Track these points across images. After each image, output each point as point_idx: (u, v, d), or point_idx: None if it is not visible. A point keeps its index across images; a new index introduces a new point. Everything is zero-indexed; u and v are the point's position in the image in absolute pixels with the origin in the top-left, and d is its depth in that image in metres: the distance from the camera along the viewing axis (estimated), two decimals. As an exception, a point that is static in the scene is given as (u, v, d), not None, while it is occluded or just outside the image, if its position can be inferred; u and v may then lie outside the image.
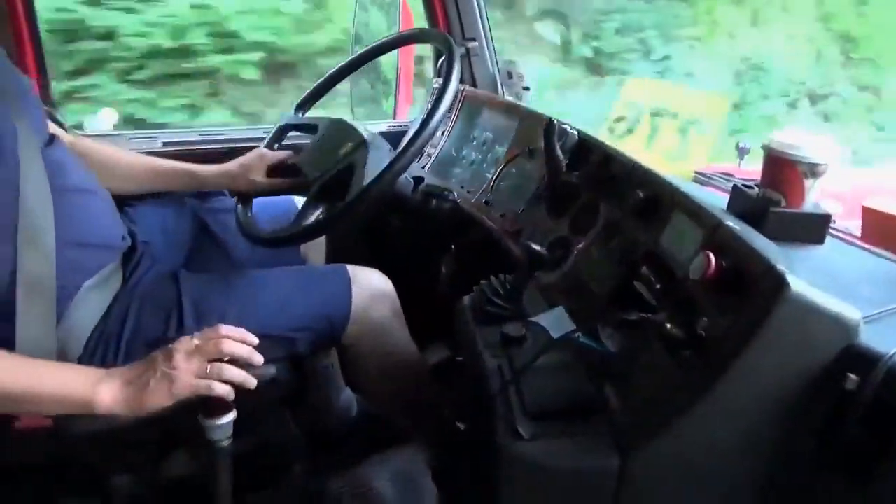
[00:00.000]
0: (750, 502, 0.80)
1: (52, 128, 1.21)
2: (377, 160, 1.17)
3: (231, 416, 0.95)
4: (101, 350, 1.09)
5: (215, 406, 0.94)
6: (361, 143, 1.22)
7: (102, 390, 0.91)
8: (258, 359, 0.95)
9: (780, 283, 0.70)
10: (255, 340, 0.97)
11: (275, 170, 1.37)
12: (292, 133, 1.47)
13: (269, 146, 1.42)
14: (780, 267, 0.71)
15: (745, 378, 0.72)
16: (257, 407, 1.21)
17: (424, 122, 1.11)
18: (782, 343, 0.71)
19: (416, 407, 1.33)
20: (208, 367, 0.92)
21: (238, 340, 0.95)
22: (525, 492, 0.80)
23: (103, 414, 0.91)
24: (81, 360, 1.07)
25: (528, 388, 0.84)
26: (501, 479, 0.81)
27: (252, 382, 0.94)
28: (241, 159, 1.37)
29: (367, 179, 1.14)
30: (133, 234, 1.25)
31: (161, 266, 1.26)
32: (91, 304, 1.10)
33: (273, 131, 1.45)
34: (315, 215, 1.21)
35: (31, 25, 1.60)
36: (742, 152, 1.56)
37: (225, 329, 0.95)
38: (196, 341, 0.94)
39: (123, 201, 1.32)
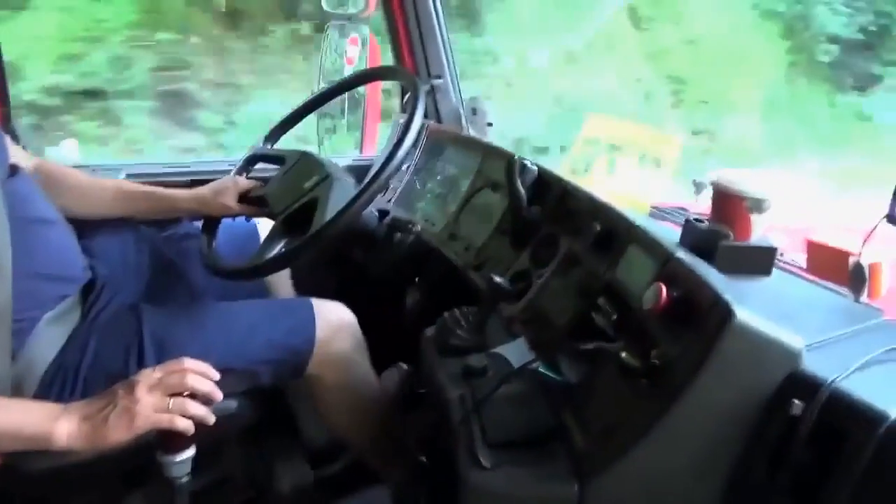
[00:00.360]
0: (706, 527, 0.82)
1: (15, 157, 1.20)
2: (340, 195, 1.18)
3: (190, 452, 0.94)
4: (58, 384, 1.07)
5: (174, 441, 0.93)
6: (326, 178, 1.24)
7: (61, 426, 0.89)
8: (218, 395, 0.95)
9: (726, 313, 0.73)
10: (217, 375, 0.96)
11: (244, 197, 1.38)
12: (260, 164, 1.48)
13: (242, 171, 1.44)
14: (727, 297, 0.75)
15: (698, 404, 0.75)
16: (218, 442, 1.20)
17: (388, 158, 1.14)
18: (731, 370, 0.75)
19: (379, 440, 1.34)
20: (170, 401, 0.91)
21: (200, 374, 0.94)
22: (488, 521, 0.81)
23: (61, 449, 0.89)
24: (37, 395, 1.05)
25: (489, 417, 0.86)
26: (464, 509, 0.82)
27: (211, 419, 0.93)
28: (213, 184, 1.38)
29: (329, 214, 1.15)
30: (93, 267, 1.24)
31: (121, 298, 1.24)
32: (49, 338, 1.09)
33: (241, 161, 1.46)
34: (277, 248, 1.21)
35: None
36: (699, 187, 1.63)
37: (188, 363, 0.94)
38: (158, 374, 0.93)
39: (83, 233, 1.31)
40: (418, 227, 1.27)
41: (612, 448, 0.78)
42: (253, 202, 1.37)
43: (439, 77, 1.90)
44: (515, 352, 0.99)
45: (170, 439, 0.92)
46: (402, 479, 1.35)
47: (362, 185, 1.14)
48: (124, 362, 1.10)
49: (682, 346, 0.76)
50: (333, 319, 1.25)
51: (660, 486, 0.79)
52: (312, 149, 1.59)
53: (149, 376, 0.92)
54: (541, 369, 0.92)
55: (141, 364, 1.08)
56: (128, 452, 0.94)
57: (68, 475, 1.05)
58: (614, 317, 0.90)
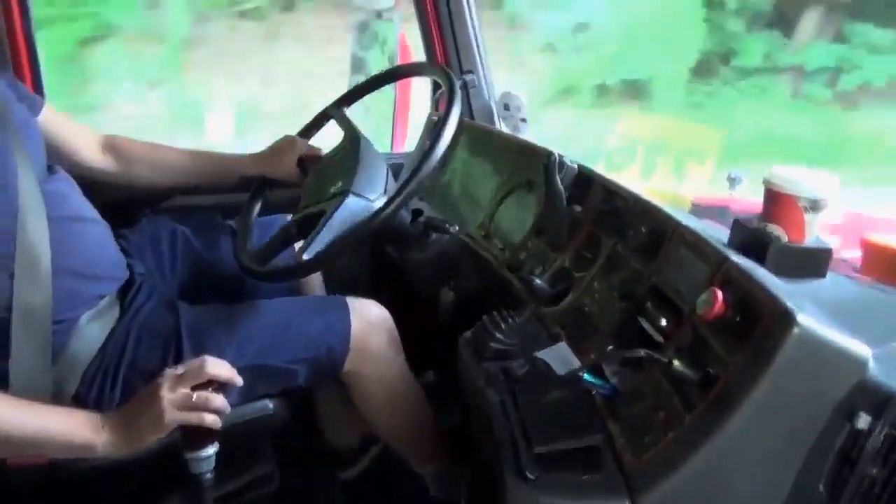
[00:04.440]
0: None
1: (81, 135, 1.32)
2: (343, 218, 1.14)
3: (214, 448, 0.98)
4: (98, 382, 1.07)
5: (199, 438, 0.97)
6: (344, 193, 1.19)
7: (102, 435, 0.93)
8: (238, 380, 1.00)
9: (788, 318, 0.70)
10: (240, 380, 1.01)
11: (302, 162, 1.40)
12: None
13: (305, 134, 1.46)
14: (789, 303, 0.71)
15: (756, 417, 0.72)
16: (253, 442, 1.19)
17: (416, 171, 1.10)
18: (792, 381, 0.71)
19: (417, 438, 1.33)
20: (194, 395, 0.95)
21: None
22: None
23: (102, 456, 0.94)
24: (78, 393, 1.06)
25: (533, 427, 0.83)
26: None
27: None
28: (273, 145, 1.42)
29: (325, 234, 1.12)
30: (131, 265, 1.24)
31: (159, 295, 1.24)
32: (89, 336, 1.09)
33: (311, 120, 1.47)
34: (284, 252, 1.23)
35: (30, 52, 1.60)
36: (733, 182, 1.59)
37: (207, 356, 0.99)
38: (179, 371, 0.97)
39: (120, 232, 1.31)
40: (455, 228, 1.25)
41: (663, 462, 0.75)
42: (305, 169, 1.38)
43: (471, 72, 1.86)
44: (557, 356, 0.96)
45: (194, 436, 0.97)
46: (439, 475, 1.35)
47: (389, 198, 1.12)
48: (162, 359, 1.10)
49: (740, 355, 0.72)
50: (368, 316, 1.24)
51: (713, 502, 0.76)
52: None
53: (171, 375, 0.97)
54: (585, 375, 0.89)
55: (178, 361, 1.08)
56: (153, 451, 0.98)
57: (103, 474, 1.06)
58: (663, 322, 0.86)
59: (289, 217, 1.39)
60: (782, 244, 0.96)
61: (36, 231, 1.02)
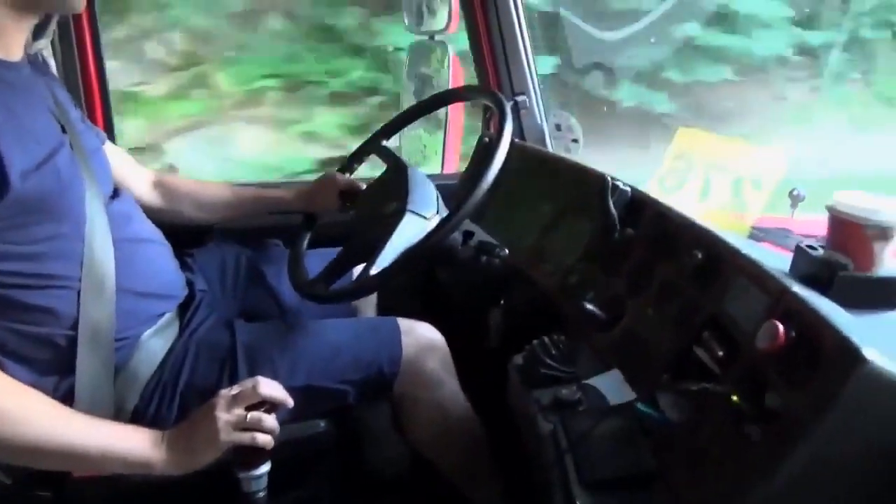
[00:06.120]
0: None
1: (136, 173, 1.39)
2: (403, 236, 1.16)
3: (267, 467, 0.99)
4: (157, 398, 1.11)
5: (252, 457, 0.98)
6: (400, 212, 1.21)
7: (159, 453, 0.96)
8: (290, 402, 1.02)
9: (854, 355, 0.67)
10: (291, 401, 1.03)
11: (345, 195, 1.44)
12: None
13: (347, 169, 1.50)
14: (855, 337, 0.68)
15: (818, 456, 0.69)
16: (304, 462, 1.21)
17: (469, 195, 1.11)
18: (857, 420, 0.68)
19: (467, 462, 1.31)
20: (248, 415, 0.97)
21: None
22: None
23: (158, 474, 0.96)
24: (137, 409, 1.09)
25: (584, 455, 0.82)
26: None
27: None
28: (316, 180, 1.48)
29: (387, 253, 1.14)
30: (191, 283, 1.29)
31: (217, 314, 1.28)
32: (150, 353, 1.13)
33: (351, 154, 1.52)
34: (341, 276, 1.24)
35: (101, 83, 1.70)
36: (795, 200, 1.51)
37: (260, 377, 1.01)
38: (233, 391, 0.99)
39: (183, 251, 1.36)
40: (505, 252, 1.24)
41: (719, 498, 0.72)
42: (350, 201, 1.43)
43: (523, 94, 1.87)
44: (610, 384, 0.95)
45: (247, 455, 0.98)
46: (489, 500, 1.32)
47: (441, 221, 1.13)
48: (218, 377, 1.13)
49: (802, 391, 0.69)
50: (421, 339, 1.25)
51: (772, 542, 0.73)
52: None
53: (226, 396, 0.99)
54: (638, 405, 0.87)
55: (234, 379, 1.11)
56: (207, 470, 0.99)
57: (159, 490, 1.09)
58: (720, 353, 0.84)
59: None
60: (849, 274, 0.91)
61: (102, 252, 1.06)
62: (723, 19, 5.48)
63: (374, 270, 1.12)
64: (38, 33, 1.37)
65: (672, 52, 5.35)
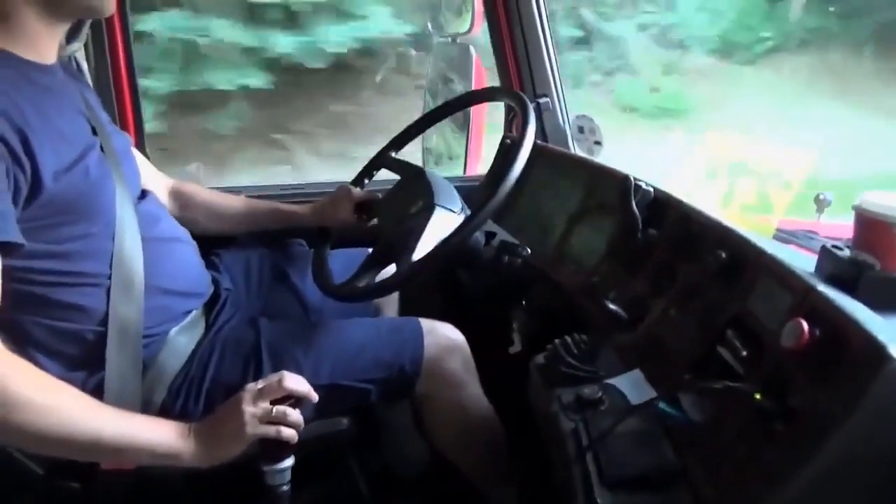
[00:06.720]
0: None
1: (153, 179, 1.37)
2: (437, 229, 1.17)
3: (290, 461, 1.01)
4: (183, 394, 1.13)
5: (275, 451, 1.00)
6: (430, 208, 1.23)
7: (188, 445, 0.97)
8: (314, 396, 1.04)
9: (881, 353, 0.66)
10: (315, 396, 1.04)
11: (361, 207, 1.45)
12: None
13: (358, 183, 1.51)
14: (881, 336, 0.67)
15: (843, 456, 0.68)
16: (327, 458, 1.22)
17: (493, 193, 1.12)
18: (883, 419, 0.67)
19: (488, 460, 1.32)
20: (273, 409, 0.99)
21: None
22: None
23: (186, 465, 0.97)
24: (164, 404, 1.12)
25: (605, 454, 0.82)
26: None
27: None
28: (330, 195, 1.47)
29: (422, 247, 1.15)
30: (217, 281, 1.31)
31: (242, 312, 1.30)
32: (176, 349, 1.15)
33: (364, 167, 1.52)
34: (372, 274, 1.25)
35: (132, 86, 1.73)
36: (822, 204, 1.49)
37: (285, 372, 1.03)
38: (259, 385, 1.01)
39: (209, 250, 1.39)
40: (528, 251, 1.24)
41: (743, 498, 0.72)
42: (367, 213, 1.43)
43: (545, 95, 1.87)
44: (632, 384, 0.94)
45: (272, 449, 1.00)
46: (508, 499, 1.32)
47: (466, 218, 1.14)
48: (243, 373, 1.15)
49: (827, 390, 0.69)
50: (443, 339, 1.25)
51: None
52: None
53: (252, 390, 1.01)
54: (660, 405, 0.86)
55: (258, 376, 1.12)
56: (232, 463, 1.00)
57: (185, 482, 1.11)
58: (744, 352, 0.83)
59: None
60: (876, 273, 0.90)
61: (131, 251, 1.08)
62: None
63: (414, 258, 1.13)
64: (70, 37, 1.40)
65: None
